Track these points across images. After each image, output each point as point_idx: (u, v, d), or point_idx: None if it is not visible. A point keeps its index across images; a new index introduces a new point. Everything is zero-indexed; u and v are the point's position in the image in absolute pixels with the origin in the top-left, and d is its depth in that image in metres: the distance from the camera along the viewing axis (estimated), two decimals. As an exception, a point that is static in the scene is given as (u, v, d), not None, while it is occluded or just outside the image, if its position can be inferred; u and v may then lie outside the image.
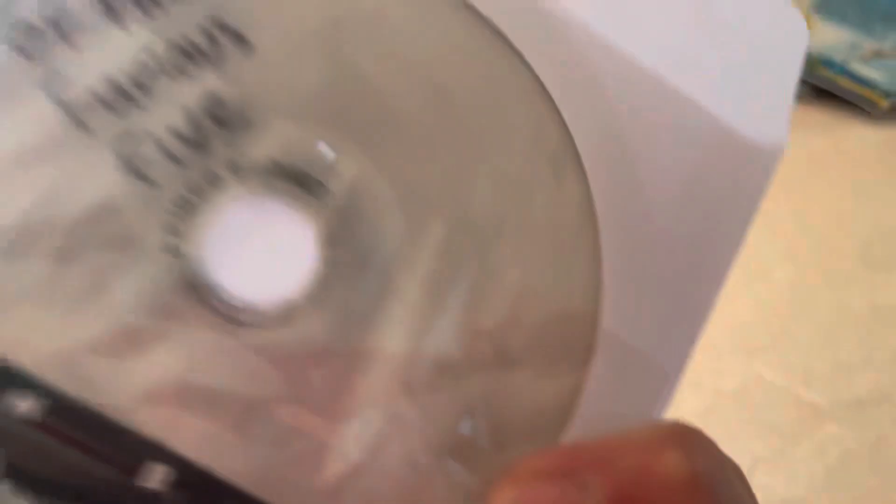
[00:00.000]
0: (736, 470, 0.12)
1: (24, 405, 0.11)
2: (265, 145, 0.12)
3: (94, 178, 0.12)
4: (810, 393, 0.40)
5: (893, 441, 0.39)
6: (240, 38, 0.12)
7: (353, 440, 0.12)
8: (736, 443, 0.38)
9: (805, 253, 0.47)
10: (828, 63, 0.55)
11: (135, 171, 0.12)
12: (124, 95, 0.12)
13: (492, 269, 0.13)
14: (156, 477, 0.11)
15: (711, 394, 0.40)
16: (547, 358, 0.13)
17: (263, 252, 0.12)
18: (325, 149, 0.12)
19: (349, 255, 0.12)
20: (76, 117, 0.12)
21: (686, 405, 0.40)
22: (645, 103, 0.13)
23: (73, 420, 0.11)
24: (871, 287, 0.45)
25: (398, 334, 0.12)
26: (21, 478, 0.11)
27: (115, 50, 0.12)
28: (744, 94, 0.14)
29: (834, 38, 0.57)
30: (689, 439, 0.12)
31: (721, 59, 0.14)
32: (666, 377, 0.13)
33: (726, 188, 0.14)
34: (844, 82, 0.54)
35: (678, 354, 0.13)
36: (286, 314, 0.12)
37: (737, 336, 0.42)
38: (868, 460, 0.38)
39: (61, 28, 0.12)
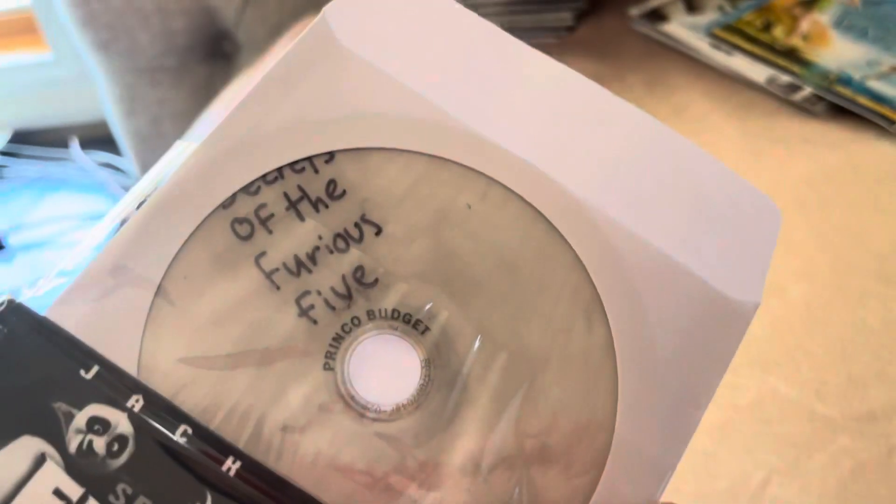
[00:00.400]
0: None
1: (233, 465, 0.17)
2: (390, 299, 0.18)
3: (281, 320, 0.18)
4: (824, 406, 0.41)
5: (906, 453, 0.38)
6: (376, 227, 0.19)
7: (439, 503, 0.17)
8: (751, 455, 0.39)
9: (820, 268, 0.47)
10: (846, 80, 0.55)
11: (306, 315, 0.18)
12: (302, 265, 0.18)
13: (539, 388, 0.18)
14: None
15: (728, 408, 0.41)
16: (576, 454, 0.18)
17: (385, 370, 0.18)
18: (427, 301, 0.19)
19: (441, 374, 0.18)
20: (272, 280, 0.18)
21: (705, 419, 0.39)
22: (653, 272, 0.19)
23: (261, 475, 0.17)
24: (885, 302, 0.45)
25: (472, 431, 0.18)
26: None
27: (297, 235, 0.19)
28: (728, 265, 0.19)
29: (853, 54, 0.58)
30: None
31: (713, 239, 0.19)
32: (663, 468, 0.18)
33: (713, 333, 0.19)
34: (862, 99, 0.54)
35: (674, 451, 0.18)
36: (398, 412, 0.18)
37: (752, 351, 0.43)
38: (880, 472, 0.38)
39: (262, 219, 0.19)
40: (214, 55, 0.71)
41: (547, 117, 0.20)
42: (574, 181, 0.19)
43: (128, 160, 0.74)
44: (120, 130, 0.71)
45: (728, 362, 0.19)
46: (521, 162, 0.19)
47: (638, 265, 0.19)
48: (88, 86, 0.73)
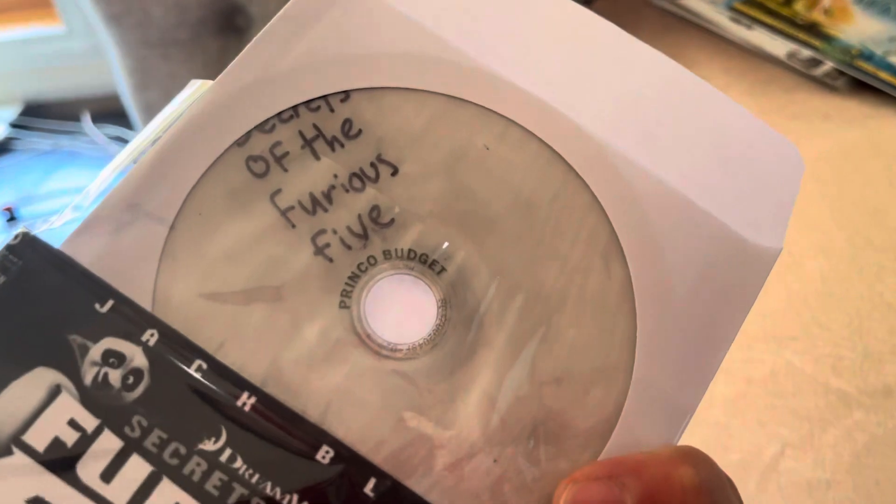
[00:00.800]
0: (729, 481, 0.17)
1: (248, 400, 0.17)
2: (406, 239, 0.18)
3: (297, 258, 0.18)
4: (839, 381, 0.41)
5: (920, 428, 0.37)
6: (392, 167, 0.19)
7: (455, 440, 0.17)
8: (765, 428, 0.39)
9: (837, 244, 0.46)
10: (868, 56, 0.55)
11: (322, 253, 0.18)
12: (317, 204, 0.18)
13: (556, 329, 0.18)
14: (322, 453, 0.17)
15: (742, 381, 0.41)
16: (593, 396, 0.18)
17: (401, 310, 0.18)
18: (443, 241, 0.18)
19: (457, 314, 0.18)
20: (287, 217, 0.18)
21: (718, 392, 0.40)
22: (673, 215, 0.18)
23: (276, 410, 0.17)
24: None
25: (488, 371, 0.18)
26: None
27: (312, 173, 0.18)
28: (749, 210, 0.19)
29: (875, 30, 0.57)
30: (698, 458, 0.17)
31: (733, 182, 0.19)
32: (682, 411, 0.18)
33: (733, 277, 0.18)
34: (884, 75, 0.53)
35: (692, 395, 0.18)
36: (414, 351, 0.18)
37: (768, 325, 0.43)
38: (894, 446, 0.38)
39: (277, 157, 0.19)
40: (227, 29, 0.70)
41: (566, 58, 0.19)
42: (593, 122, 0.19)
43: (139, 134, 0.74)
44: (132, 104, 0.71)
45: (748, 307, 0.18)
46: (539, 102, 0.19)
47: (657, 207, 0.18)
48: (100, 59, 0.73)
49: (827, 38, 0.58)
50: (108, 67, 0.71)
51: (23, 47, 0.97)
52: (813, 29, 0.59)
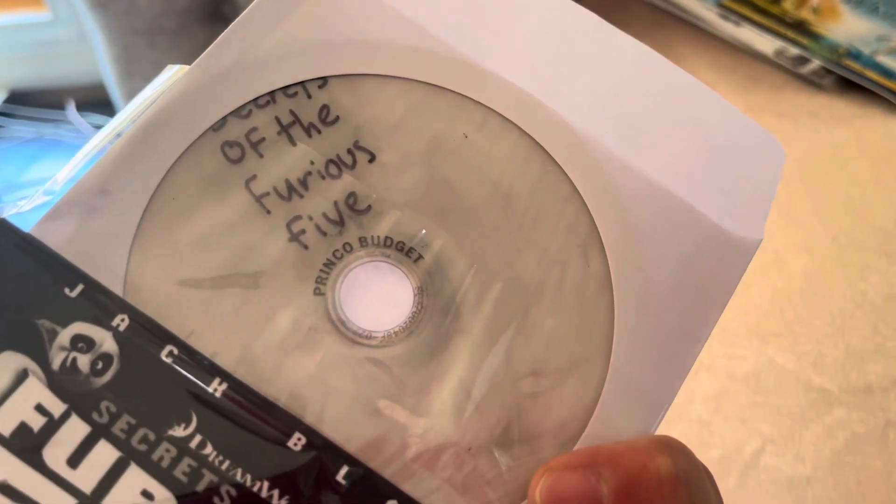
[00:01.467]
0: (706, 471, 0.17)
1: (219, 387, 0.17)
2: (382, 226, 0.18)
3: (271, 244, 0.18)
4: (821, 378, 0.41)
5: (901, 427, 0.37)
6: (369, 154, 0.18)
7: (430, 429, 0.17)
8: (747, 425, 0.39)
9: (822, 242, 0.47)
10: (855, 55, 0.55)
11: (297, 240, 0.18)
12: (293, 190, 0.18)
13: (533, 319, 0.18)
14: (294, 440, 0.16)
15: (725, 377, 0.41)
16: (569, 386, 0.18)
17: (377, 297, 0.18)
18: (420, 229, 0.18)
19: (433, 302, 0.18)
20: (262, 203, 0.18)
21: (700, 388, 0.40)
22: (652, 206, 0.18)
23: (247, 396, 0.17)
24: (886, 276, 0.45)
25: (464, 360, 0.17)
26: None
27: (288, 159, 0.18)
28: (730, 201, 0.19)
29: (863, 29, 0.57)
30: (675, 448, 0.17)
31: (714, 174, 0.19)
32: (659, 403, 0.18)
33: (713, 268, 0.18)
34: (871, 74, 0.54)
35: (669, 387, 0.18)
36: (389, 339, 0.17)
37: (751, 322, 0.43)
38: (875, 446, 0.38)
39: (253, 143, 0.18)
40: (214, 18, 0.70)
41: (548, 48, 0.19)
42: (573, 112, 0.19)
43: (125, 123, 0.73)
44: (117, 92, 0.70)
45: (727, 299, 0.18)
46: (520, 92, 0.19)
47: (637, 198, 0.18)
48: (86, 47, 0.72)
49: (815, 36, 0.58)
50: (94, 55, 0.70)
51: (7, 34, 0.96)
52: (801, 27, 0.59)
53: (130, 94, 0.70)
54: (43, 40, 0.94)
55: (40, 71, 0.96)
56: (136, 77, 0.69)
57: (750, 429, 0.39)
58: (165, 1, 0.68)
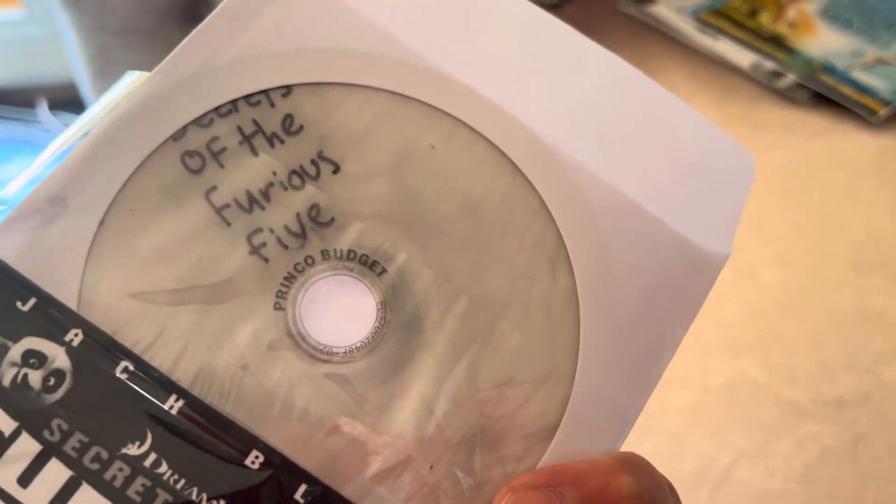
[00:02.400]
0: (670, 487, 0.17)
1: (175, 404, 0.16)
2: (345, 239, 0.18)
3: (231, 257, 0.17)
4: (793, 391, 0.41)
5: (872, 440, 0.39)
6: (334, 164, 0.18)
7: (390, 447, 0.17)
8: (720, 437, 0.39)
9: (796, 255, 0.47)
10: (830, 69, 0.56)
11: (258, 253, 0.17)
12: (254, 202, 0.18)
13: (499, 334, 0.18)
14: (251, 458, 0.16)
15: (698, 390, 0.41)
16: (534, 402, 0.17)
17: (339, 312, 0.17)
18: (384, 242, 0.18)
19: (397, 317, 0.18)
20: (222, 215, 0.18)
21: (674, 400, 0.40)
22: (621, 220, 0.18)
23: (204, 414, 0.16)
24: (859, 290, 0.45)
25: (427, 375, 0.17)
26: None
27: (250, 170, 0.18)
28: (699, 215, 0.19)
29: (838, 44, 0.58)
30: (639, 466, 0.17)
31: (684, 188, 0.19)
32: (625, 418, 0.17)
33: (681, 283, 0.18)
34: (845, 89, 0.55)
35: (635, 402, 0.17)
36: (351, 354, 0.17)
37: (725, 335, 0.43)
38: (847, 459, 0.38)
39: (214, 153, 0.18)
40: (191, 18, 0.69)
41: (518, 58, 0.19)
42: (543, 125, 0.19)
43: (99, 125, 0.72)
44: (91, 92, 0.69)
45: (694, 314, 0.18)
46: (488, 103, 0.19)
47: (606, 212, 0.18)
48: (59, 46, 0.71)
49: (790, 50, 0.58)
50: (67, 55, 0.69)
51: (-21, 32, 0.94)
52: (777, 41, 0.59)
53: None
54: (16, 39, 0.93)
55: (13, 70, 0.95)
56: (111, 77, 0.68)
57: (723, 441, 0.39)
58: (142, 1, 0.67)
